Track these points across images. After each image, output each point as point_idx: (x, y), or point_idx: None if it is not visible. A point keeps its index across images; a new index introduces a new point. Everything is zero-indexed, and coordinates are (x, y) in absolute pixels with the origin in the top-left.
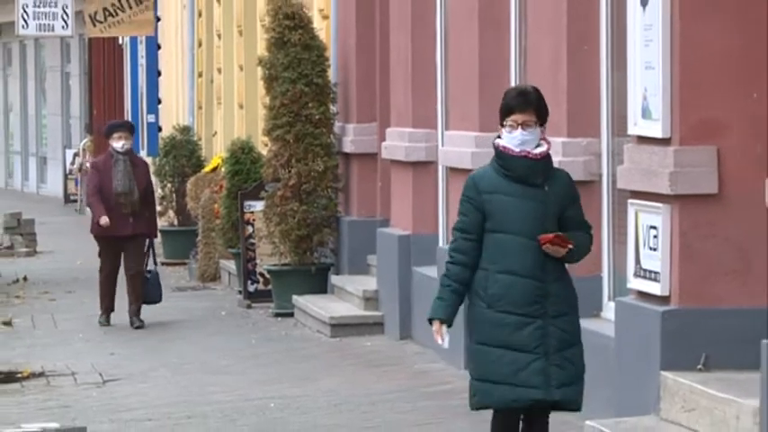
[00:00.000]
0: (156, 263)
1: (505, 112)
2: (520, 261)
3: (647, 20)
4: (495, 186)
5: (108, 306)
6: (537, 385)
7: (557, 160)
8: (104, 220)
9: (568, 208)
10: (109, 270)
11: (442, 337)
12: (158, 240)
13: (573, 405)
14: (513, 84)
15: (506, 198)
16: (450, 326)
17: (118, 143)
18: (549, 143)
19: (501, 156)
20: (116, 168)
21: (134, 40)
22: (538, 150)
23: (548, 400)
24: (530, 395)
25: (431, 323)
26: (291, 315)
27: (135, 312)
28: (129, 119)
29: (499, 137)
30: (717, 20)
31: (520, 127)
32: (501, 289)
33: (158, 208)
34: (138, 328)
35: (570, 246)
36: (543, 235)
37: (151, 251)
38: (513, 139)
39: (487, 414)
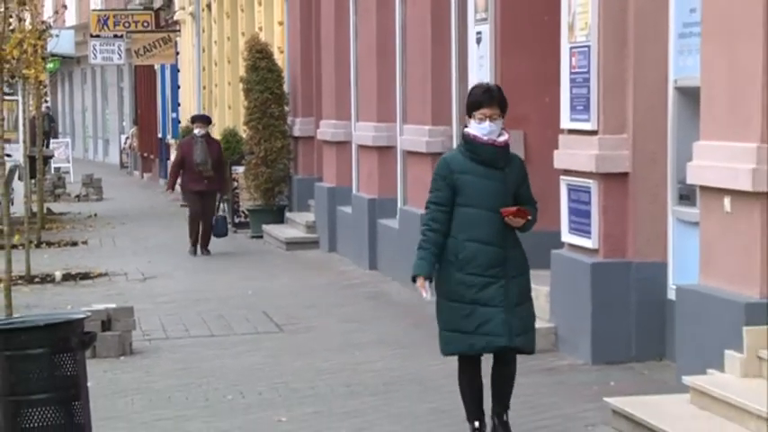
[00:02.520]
0: (225, 209)
1: (475, 105)
2: (485, 231)
3: (480, 52)
4: (464, 168)
5: (195, 240)
6: (501, 334)
7: (424, 140)
8: (170, 192)
9: (521, 186)
10: (194, 215)
11: (426, 290)
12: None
13: (528, 349)
14: (398, 93)
15: (474, 178)
16: (431, 281)
17: (197, 129)
18: (508, 133)
19: (470, 142)
20: (195, 147)
21: (163, 66)
22: (501, 139)
23: (510, 346)
24: (495, 343)
25: (414, 280)
26: (261, 237)
27: (204, 244)
28: (160, 117)
29: (466, 126)
30: (523, 53)
31: (488, 119)
32: (469, 254)
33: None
34: (206, 254)
35: (529, 217)
36: (506, 208)
37: (221, 203)
38: (483, 128)
39: (384, 296)
